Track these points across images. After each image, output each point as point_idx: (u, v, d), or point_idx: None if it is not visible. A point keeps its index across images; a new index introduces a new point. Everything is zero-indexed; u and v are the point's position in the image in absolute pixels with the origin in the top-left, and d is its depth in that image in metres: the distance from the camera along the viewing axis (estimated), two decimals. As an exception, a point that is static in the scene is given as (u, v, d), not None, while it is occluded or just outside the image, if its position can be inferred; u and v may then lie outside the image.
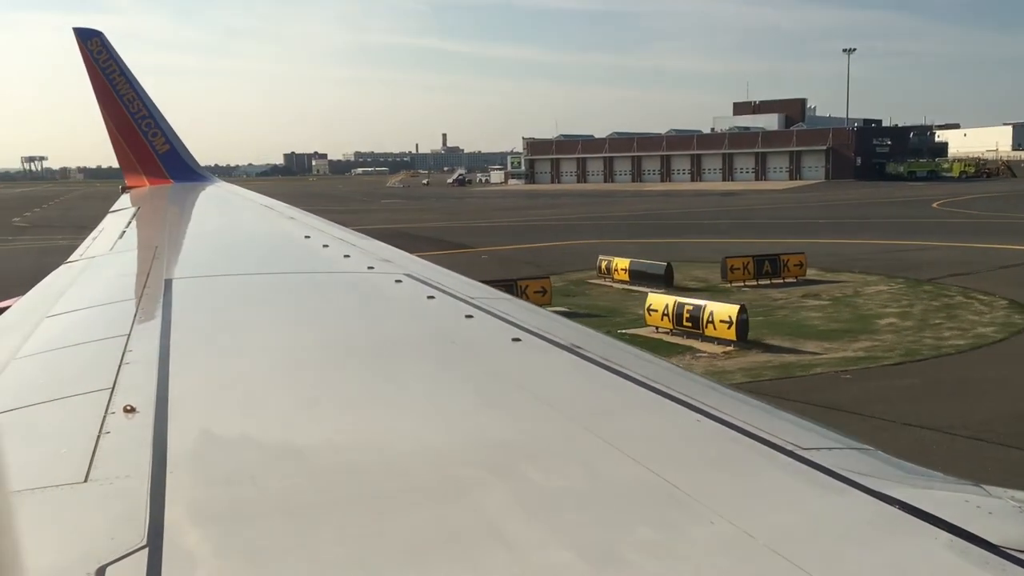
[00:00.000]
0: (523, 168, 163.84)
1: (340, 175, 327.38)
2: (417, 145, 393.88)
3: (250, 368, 3.64)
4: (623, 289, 31.17)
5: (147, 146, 15.83)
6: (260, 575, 1.89)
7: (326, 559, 1.92)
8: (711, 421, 2.79)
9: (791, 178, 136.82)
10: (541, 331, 4.02)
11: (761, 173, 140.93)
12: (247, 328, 4.46)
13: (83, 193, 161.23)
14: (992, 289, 28.63)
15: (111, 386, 3.23)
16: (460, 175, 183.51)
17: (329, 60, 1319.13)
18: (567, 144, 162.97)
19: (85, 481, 2.36)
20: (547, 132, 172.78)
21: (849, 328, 23.61)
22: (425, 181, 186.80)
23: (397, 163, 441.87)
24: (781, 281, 31.50)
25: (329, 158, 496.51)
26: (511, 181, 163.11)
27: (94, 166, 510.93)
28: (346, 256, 6.62)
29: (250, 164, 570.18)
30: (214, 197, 14.25)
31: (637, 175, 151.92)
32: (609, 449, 2.53)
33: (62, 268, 7.38)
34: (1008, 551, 1.88)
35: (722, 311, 21.50)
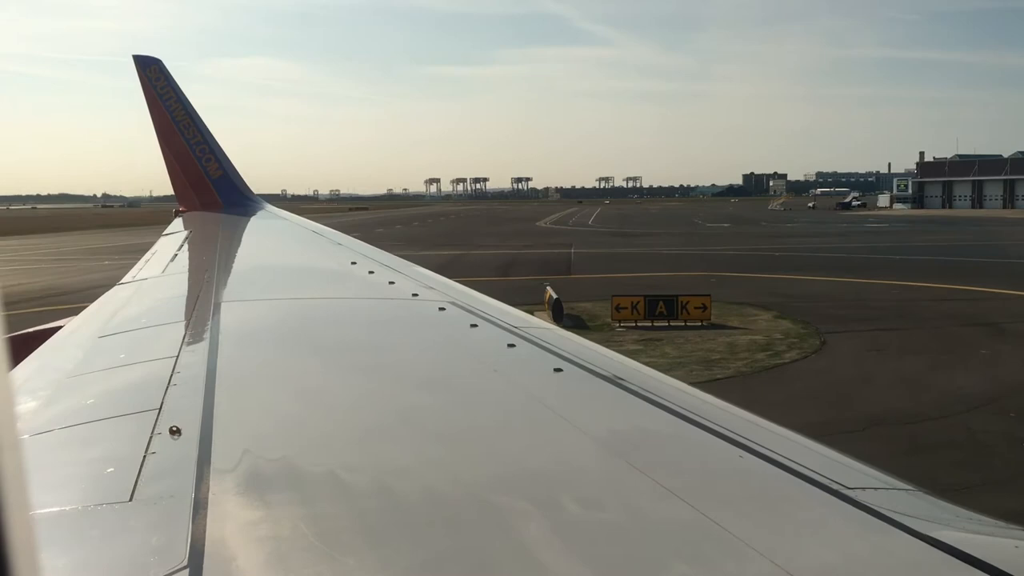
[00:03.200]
0: (909, 191, 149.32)
1: (797, 195, 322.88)
2: (889, 164, 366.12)
3: (296, 393, 3.68)
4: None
5: (201, 172, 16.13)
6: None
7: None
8: (754, 457, 2.74)
9: None
10: (583, 361, 4.04)
11: None
12: (294, 352, 4.52)
13: (495, 214, 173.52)
14: (855, 342, 24.44)
15: (158, 407, 3.29)
16: (853, 198, 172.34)
17: (801, 78, 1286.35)
18: (961, 165, 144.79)
19: (130, 500, 2.39)
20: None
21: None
22: (811, 204, 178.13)
23: (859, 184, 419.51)
24: (682, 324, 29.47)
25: (788, 178, 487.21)
26: (896, 206, 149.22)
27: (568, 186, 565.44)
28: (391, 283, 6.68)
29: (712, 184, 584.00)
30: (264, 223, 14.48)
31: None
32: (649, 483, 2.48)
33: (115, 289, 7.64)
34: None
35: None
